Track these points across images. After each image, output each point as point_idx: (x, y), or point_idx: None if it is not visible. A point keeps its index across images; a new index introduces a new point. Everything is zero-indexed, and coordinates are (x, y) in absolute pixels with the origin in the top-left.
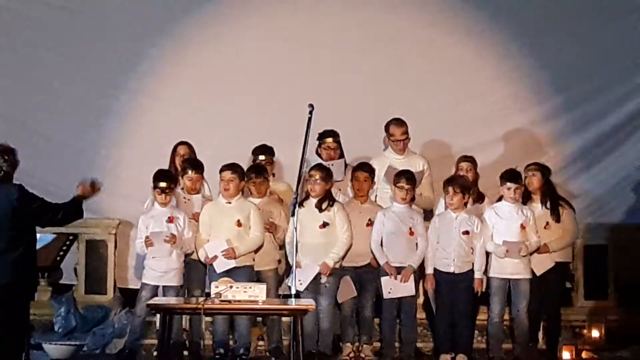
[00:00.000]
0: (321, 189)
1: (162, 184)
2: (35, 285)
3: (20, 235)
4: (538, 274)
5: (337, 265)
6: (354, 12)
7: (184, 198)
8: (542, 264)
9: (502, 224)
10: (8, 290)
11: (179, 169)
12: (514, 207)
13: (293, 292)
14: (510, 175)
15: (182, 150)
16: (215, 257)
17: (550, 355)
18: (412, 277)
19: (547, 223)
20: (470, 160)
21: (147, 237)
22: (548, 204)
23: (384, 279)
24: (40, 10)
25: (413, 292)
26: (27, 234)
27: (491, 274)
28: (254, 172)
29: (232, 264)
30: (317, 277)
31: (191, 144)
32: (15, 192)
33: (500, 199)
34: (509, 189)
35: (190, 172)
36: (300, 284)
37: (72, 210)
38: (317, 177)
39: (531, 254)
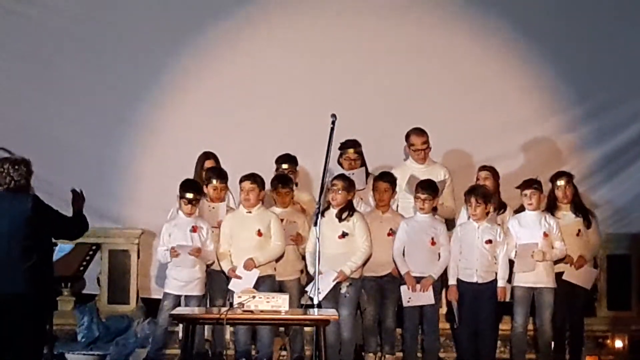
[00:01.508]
0: (342, 199)
1: (189, 195)
2: (53, 294)
3: (35, 244)
4: (589, 287)
5: (357, 275)
6: (374, 22)
7: (209, 206)
8: (589, 277)
9: (525, 233)
10: (23, 299)
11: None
12: (537, 216)
13: (315, 302)
14: (527, 182)
15: (208, 164)
16: (239, 277)
17: None
18: (431, 286)
19: (579, 230)
20: (490, 169)
21: (172, 249)
22: (579, 213)
23: (403, 288)
24: (62, 20)
25: (432, 301)
26: (42, 243)
27: (515, 284)
28: (281, 182)
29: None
30: (337, 287)
31: (217, 155)
32: (29, 202)
33: (520, 208)
34: (526, 195)
35: (214, 181)
36: (320, 292)
37: (78, 223)
38: (339, 186)
39: (556, 262)
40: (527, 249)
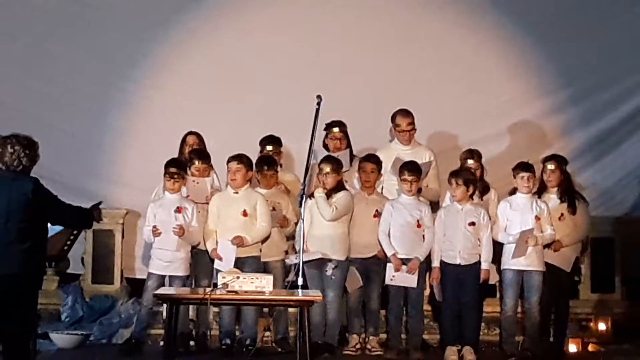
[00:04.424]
0: (333, 181)
1: (172, 169)
2: (42, 275)
3: (31, 227)
4: (568, 270)
5: (343, 257)
6: (361, 5)
7: (194, 181)
8: (568, 259)
9: (516, 216)
10: (16, 280)
11: (188, 158)
12: (528, 199)
13: (299, 281)
14: (524, 165)
15: (191, 140)
16: (220, 258)
17: (558, 348)
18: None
19: (562, 215)
20: (476, 155)
21: (154, 227)
22: (565, 197)
23: (389, 266)
24: (49, 1)
25: (415, 285)
26: (38, 226)
27: (505, 266)
28: (266, 163)
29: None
30: (324, 269)
31: (200, 134)
32: (30, 185)
33: (513, 192)
34: (522, 177)
35: (197, 162)
36: (296, 258)
37: (84, 218)
38: (328, 169)
39: (545, 246)
40: (523, 236)
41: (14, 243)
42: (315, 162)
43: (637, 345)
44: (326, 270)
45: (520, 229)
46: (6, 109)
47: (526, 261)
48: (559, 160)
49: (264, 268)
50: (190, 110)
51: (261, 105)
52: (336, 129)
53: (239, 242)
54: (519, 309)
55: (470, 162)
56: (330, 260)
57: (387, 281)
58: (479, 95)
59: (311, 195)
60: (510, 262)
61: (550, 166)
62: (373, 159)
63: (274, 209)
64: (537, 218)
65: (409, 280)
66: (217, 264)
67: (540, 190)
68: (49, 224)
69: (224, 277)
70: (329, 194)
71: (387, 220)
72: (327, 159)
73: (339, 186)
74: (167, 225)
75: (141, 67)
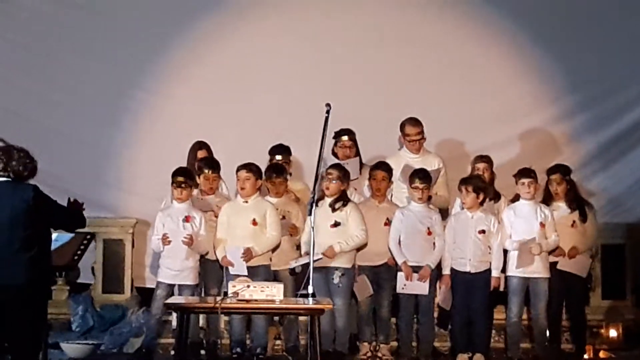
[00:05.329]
0: (336, 188)
1: (180, 178)
2: (51, 285)
3: (35, 235)
4: (584, 275)
5: (349, 265)
6: (370, 11)
7: (198, 197)
8: (583, 265)
9: (520, 222)
10: (23, 290)
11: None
12: (532, 206)
13: (310, 291)
14: (524, 171)
15: (201, 154)
16: (232, 264)
17: (577, 355)
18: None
19: (574, 222)
20: (486, 160)
21: (164, 235)
22: (574, 205)
23: (400, 274)
24: (56, 9)
25: (426, 292)
26: (42, 234)
27: (510, 273)
28: (275, 171)
29: (244, 272)
30: (330, 277)
31: (209, 145)
32: (30, 192)
33: (516, 198)
34: (523, 184)
35: (207, 171)
36: (296, 262)
37: (78, 218)
38: (334, 175)
39: (550, 253)
40: (526, 246)
41: (20, 252)
42: (324, 171)
43: None
44: (333, 278)
45: (524, 236)
46: (14, 117)
47: (531, 268)
48: (563, 172)
49: (274, 277)
50: (199, 118)
51: (270, 113)
52: (345, 137)
53: (247, 254)
54: (525, 316)
55: (479, 165)
56: (336, 269)
57: (399, 290)
58: (488, 102)
59: (316, 203)
60: (515, 269)
61: (555, 177)
62: (384, 167)
63: (283, 217)
64: (542, 225)
65: (421, 288)
66: (232, 270)
67: (548, 200)
68: (57, 234)
69: (234, 286)
70: (333, 204)
71: (397, 228)
72: (335, 166)
73: (342, 196)
74: (176, 234)
75: (151, 75)
